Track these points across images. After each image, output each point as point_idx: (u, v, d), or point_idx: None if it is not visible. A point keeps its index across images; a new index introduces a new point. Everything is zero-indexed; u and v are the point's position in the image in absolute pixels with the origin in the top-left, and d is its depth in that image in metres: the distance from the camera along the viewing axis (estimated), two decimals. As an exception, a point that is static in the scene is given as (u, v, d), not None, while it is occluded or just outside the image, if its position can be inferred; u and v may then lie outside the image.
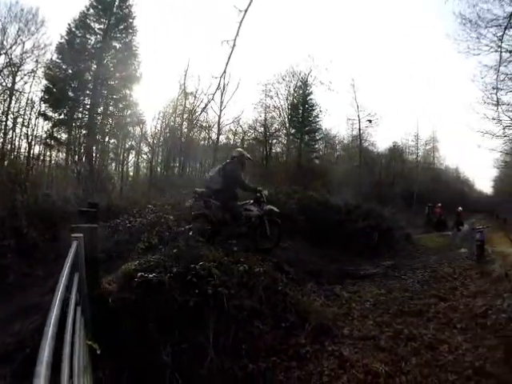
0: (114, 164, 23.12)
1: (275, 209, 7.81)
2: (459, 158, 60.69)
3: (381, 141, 41.79)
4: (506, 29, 8.82)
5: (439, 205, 21.33)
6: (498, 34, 9.32)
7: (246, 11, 6.70)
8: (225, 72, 7.37)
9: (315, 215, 9.92)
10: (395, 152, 31.26)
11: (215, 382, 3.94)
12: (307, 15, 44.21)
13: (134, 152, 23.39)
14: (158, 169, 23.64)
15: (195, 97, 23.35)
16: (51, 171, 19.64)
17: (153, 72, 37.83)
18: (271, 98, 25.11)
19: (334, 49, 45.36)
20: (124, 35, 22.96)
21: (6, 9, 19.24)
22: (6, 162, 16.79)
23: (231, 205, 7.20)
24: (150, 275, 4.69)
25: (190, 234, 5.71)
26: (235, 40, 6.95)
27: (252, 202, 7.50)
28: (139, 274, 4.71)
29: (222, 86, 7.87)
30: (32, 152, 19.94)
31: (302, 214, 10.44)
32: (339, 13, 30.92)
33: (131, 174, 23.69)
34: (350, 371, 4.19)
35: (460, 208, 19.21)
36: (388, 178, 28.41)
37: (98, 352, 3.33)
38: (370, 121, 25.84)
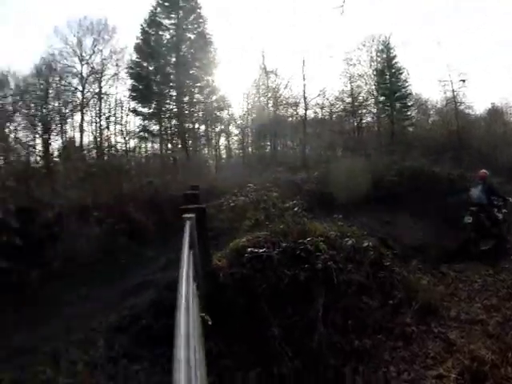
0: (206, 149, 24.12)
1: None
2: None
3: (478, 103, 38.27)
4: None
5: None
6: None
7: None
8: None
9: (416, 187, 9.56)
10: (495, 114, 28.49)
11: (324, 354, 4.03)
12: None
13: (224, 135, 24.12)
14: (250, 149, 24.12)
15: (276, 74, 23.25)
16: (148, 161, 20.98)
17: (231, 55, 38.15)
18: (354, 66, 24.14)
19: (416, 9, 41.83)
20: (196, 26, 23.65)
21: (76, 24, 21.65)
22: (105, 157, 18.36)
23: (494, 214, 8.22)
24: (260, 250, 4.83)
25: (296, 209, 5.77)
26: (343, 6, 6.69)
27: (496, 210, 8.32)
28: (249, 249, 4.87)
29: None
30: (128, 146, 22.04)
31: (402, 185, 10.29)
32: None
33: (224, 156, 24.47)
34: (456, 355, 4.10)
35: None
36: (490, 144, 25.93)
37: (210, 323, 3.56)
38: (463, 80, 23.77)
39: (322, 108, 24.35)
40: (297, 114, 23.42)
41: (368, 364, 4.07)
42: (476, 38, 37.67)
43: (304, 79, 21.31)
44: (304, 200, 7.30)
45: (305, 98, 21.82)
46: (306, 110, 22.27)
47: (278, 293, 4.46)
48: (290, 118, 24.13)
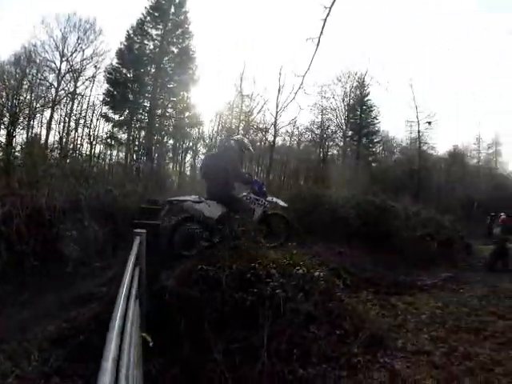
0: (171, 164, 24.02)
1: None
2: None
3: (440, 144, 40.19)
4: None
5: (502, 215, 20.06)
6: None
7: (330, 8, 6.56)
8: (308, 69, 7.20)
9: (372, 220, 9.81)
10: (456, 156, 29.84)
11: (262, 382, 3.94)
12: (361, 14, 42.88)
13: (191, 152, 24.14)
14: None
15: (251, 99, 23.68)
16: (111, 169, 20.63)
17: (210, 74, 38.56)
18: (327, 99, 24.90)
19: (391, 48, 43.72)
20: (181, 40, 24.16)
21: (65, 19, 21.93)
22: (68, 160, 17.77)
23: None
24: (210, 268, 4.81)
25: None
26: (319, 38, 6.77)
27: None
28: (199, 266, 4.86)
29: (303, 84, 7.77)
30: (93, 151, 21.79)
31: (359, 218, 10.43)
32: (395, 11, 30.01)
33: (188, 173, 24.41)
34: (401, 385, 4.11)
35: (526, 219, 17.88)
36: (448, 183, 27.20)
37: (151, 345, 3.45)
38: (429, 122, 24.91)
39: (290, 136, 25.03)
40: (266, 139, 23.91)
41: (312, 394, 3.97)
42: (445, 82, 39.61)
43: (277, 107, 21.70)
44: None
45: (275, 125, 22.31)
46: (275, 136, 22.84)
47: (223, 317, 4.41)
48: (259, 143, 24.65)
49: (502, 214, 19.75)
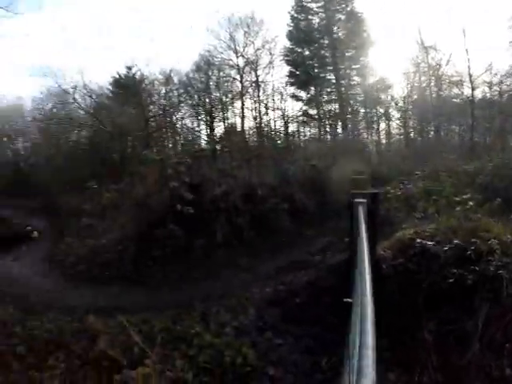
0: (365, 133, 23.79)
1: None
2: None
3: None
4: None
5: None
6: None
7: None
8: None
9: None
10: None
11: (468, 375, 3.64)
12: None
13: (384, 119, 23.39)
14: (412, 134, 22.96)
15: (435, 49, 20.98)
16: (307, 145, 21.69)
17: (385, 32, 35.60)
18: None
19: None
20: (344, 5, 23.36)
21: (226, 21, 23.27)
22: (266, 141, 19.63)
23: None
24: (429, 243, 4.62)
25: (471, 204, 5.38)
26: None
27: None
28: (418, 240, 4.71)
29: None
30: (288, 130, 23.11)
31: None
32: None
33: (383, 141, 23.84)
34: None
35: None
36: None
37: None
38: None
39: (489, 87, 20.11)
40: (462, 93, 20.27)
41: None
42: None
43: (467, 53, 18.18)
44: (477, 194, 6.62)
45: (470, 75, 18.51)
46: (472, 89, 18.68)
47: (438, 294, 4.18)
48: (455, 100, 21.08)
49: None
